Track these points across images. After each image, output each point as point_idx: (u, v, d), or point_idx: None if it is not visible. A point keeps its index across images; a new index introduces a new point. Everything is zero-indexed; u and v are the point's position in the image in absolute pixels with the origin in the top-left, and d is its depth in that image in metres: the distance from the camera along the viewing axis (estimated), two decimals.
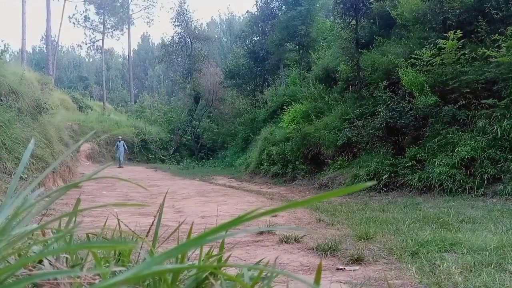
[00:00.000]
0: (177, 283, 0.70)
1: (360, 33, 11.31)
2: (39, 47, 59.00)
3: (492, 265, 2.61)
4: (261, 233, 3.90)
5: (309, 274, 2.71)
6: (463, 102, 7.96)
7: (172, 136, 27.45)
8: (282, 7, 21.37)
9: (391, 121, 8.61)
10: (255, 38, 23.95)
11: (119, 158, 20.24)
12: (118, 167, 19.06)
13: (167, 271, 0.64)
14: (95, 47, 41.64)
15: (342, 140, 10.07)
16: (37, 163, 7.13)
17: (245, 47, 24.20)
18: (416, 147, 8.18)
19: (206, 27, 44.44)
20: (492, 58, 7.71)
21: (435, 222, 4.37)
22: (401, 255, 3.04)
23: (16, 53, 51.88)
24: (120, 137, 21.83)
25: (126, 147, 21.10)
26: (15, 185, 0.73)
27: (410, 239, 3.46)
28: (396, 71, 9.23)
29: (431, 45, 8.83)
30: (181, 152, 26.98)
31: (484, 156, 6.91)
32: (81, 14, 39.86)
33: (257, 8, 23.06)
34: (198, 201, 7.17)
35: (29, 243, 0.72)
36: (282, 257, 3.10)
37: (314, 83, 13.42)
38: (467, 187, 6.75)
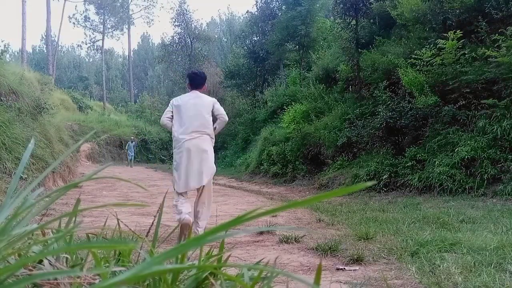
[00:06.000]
0: (177, 283, 0.70)
1: (360, 33, 11.31)
2: (39, 47, 59.07)
3: (492, 265, 2.60)
4: (261, 233, 3.90)
5: (309, 274, 2.71)
6: (463, 102, 7.95)
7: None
8: (282, 7, 21.32)
9: (391, 121, 8.61)
10: (255, 38, 23.90)
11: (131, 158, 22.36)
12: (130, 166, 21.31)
13: (167, 271, 0.64)
14: (95, 47, 41.72)
15: (342, 140, 10.07)
16: (37, 163, 7.12)
17: (245, 47, 24.14)
18: (416, 147, 8.18)
19: (206, 27, 44.36)
20: (492, 58, 7.69)
21: (435, 222, 4.36)
22: (401, 255, 3.03)
23: (16, 53, 51.96)
24: (133, 137, 23.89)
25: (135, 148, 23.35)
26: (15, 185, 0.73)
27: (410, 239, 3.46)
28: (396, 71, 9.22)
29: (431, 45, 8.82)
30: None
31: (484, 156, 6.90)
32: (81, 14, 40.02)
33: (257, 8, 23.03)
34: None
35: (29, 243, 0.72)
36: (282, 257, 3.10)
37: (314, 83, 13.42)
38: (467, 187, 6.74)
